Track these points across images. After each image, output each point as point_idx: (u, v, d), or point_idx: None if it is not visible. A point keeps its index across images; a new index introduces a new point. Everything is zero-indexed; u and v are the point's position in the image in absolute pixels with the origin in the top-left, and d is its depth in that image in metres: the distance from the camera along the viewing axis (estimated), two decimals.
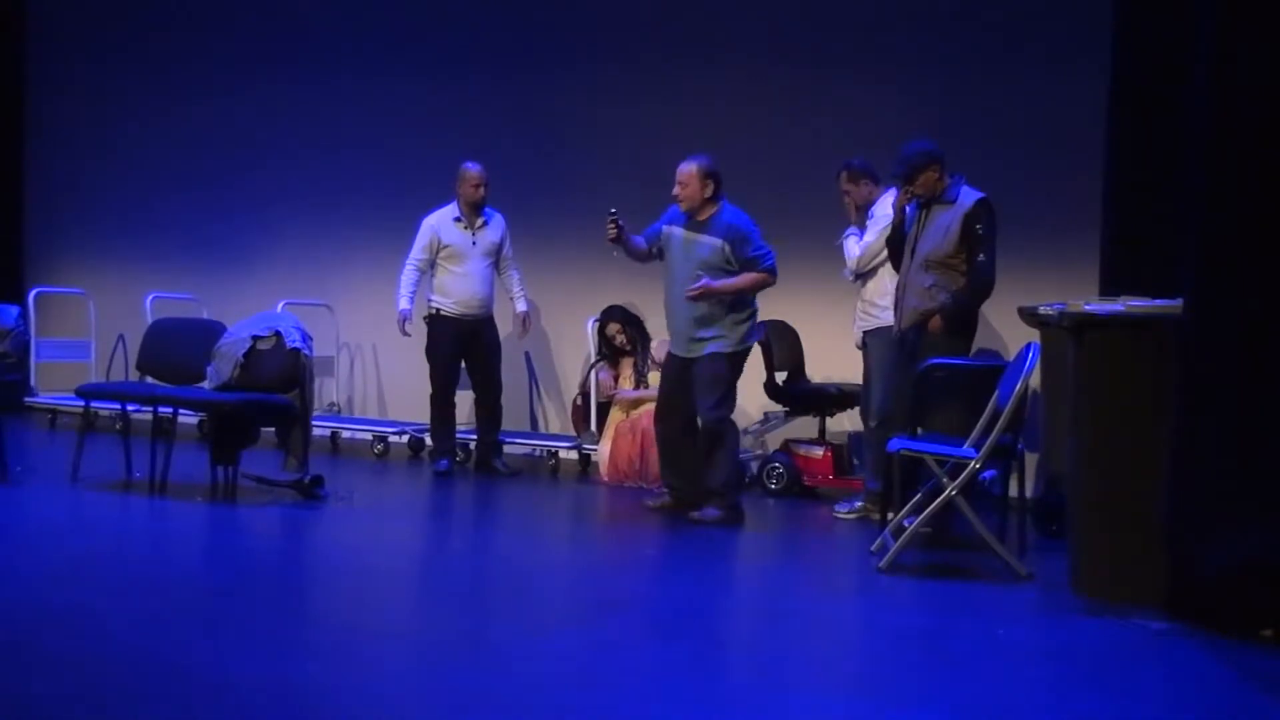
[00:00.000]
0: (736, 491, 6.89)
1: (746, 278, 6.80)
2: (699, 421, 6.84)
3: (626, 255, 7.04)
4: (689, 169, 6.84)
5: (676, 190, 6.85)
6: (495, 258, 8.43)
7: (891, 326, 6.86)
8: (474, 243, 8.34)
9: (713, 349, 6.80)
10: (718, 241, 6.77)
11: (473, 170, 8.35)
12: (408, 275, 8.40)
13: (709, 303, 6.76)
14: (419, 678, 3.98)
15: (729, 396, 6.88)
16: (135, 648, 4.11)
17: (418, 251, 8.37)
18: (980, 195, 6.58)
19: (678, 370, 6.94)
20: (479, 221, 8.37)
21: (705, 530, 6.60)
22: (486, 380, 8.46)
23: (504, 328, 8.81)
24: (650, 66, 9.20)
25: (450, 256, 8.31)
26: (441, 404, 8.39)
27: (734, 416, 6.95)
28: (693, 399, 6.84)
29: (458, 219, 8.36)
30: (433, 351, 8.40)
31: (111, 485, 7.13)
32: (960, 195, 6.60)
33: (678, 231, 6.91)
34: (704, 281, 6.71)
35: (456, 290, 8.30)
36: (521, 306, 8.61)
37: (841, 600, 5.43)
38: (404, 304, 8.37)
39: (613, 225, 6.75)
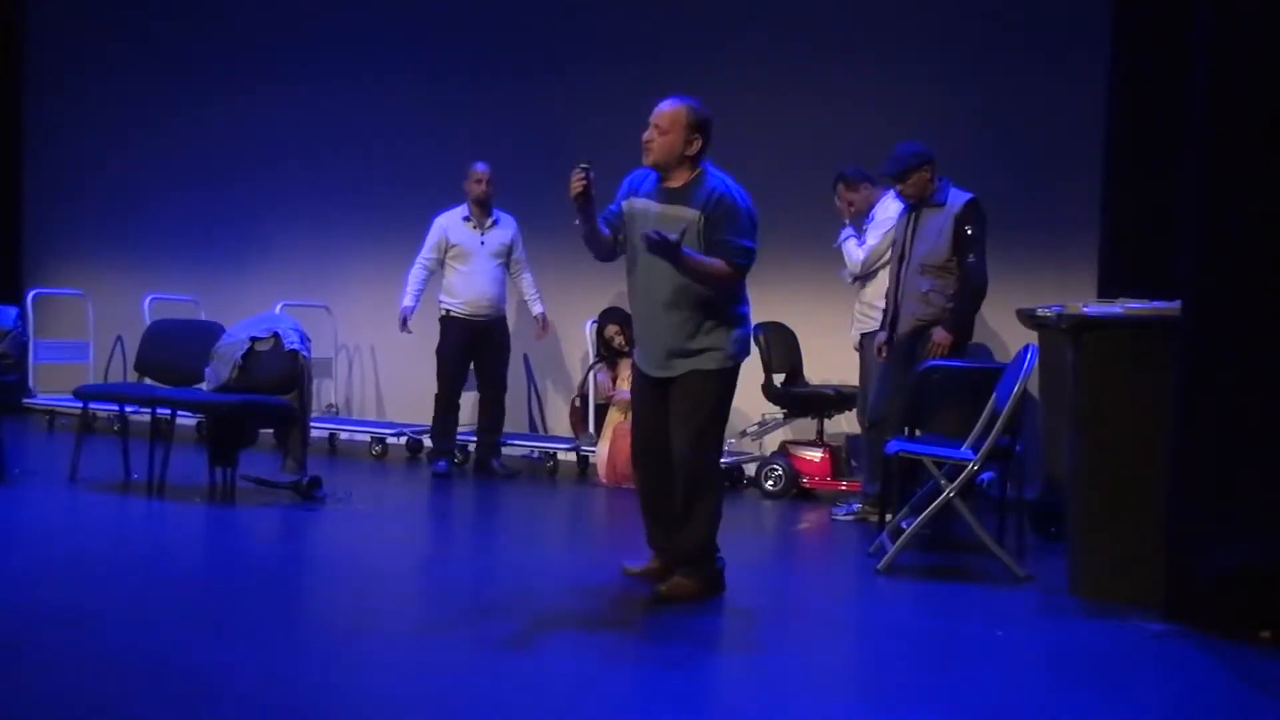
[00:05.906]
0: (714, 557, 5.17)
1: (714, 264, 4.94)
2: (675, 462, 5.05)
3: (587, 235, 5.09)
4: (674, 108, 5.01)
5: (648, 135, 5.02)
6: (505, 259, 8.44)
7: None
8: (482, 242, 8.35)
9: (693, 366, 5.01)
10: (693, 214, 4.94)
11: (477, 168, 8.39)
12: (415, 274, 8.43)
13: (694, 302, 4.97)
14: (418, 678, 3.98)
15: (712, 429, 5.09)
16: (135, 648, 4.11)
17: (426, 251, 8.40)
18: (969, 196, 6.60)
19: (654, 397, 5.13)
20: (488, 221, 8.39)
21: None
22: (492, 379, 8.47)
23: (515, 330, 8.81)
24: (651, 67, 9.18)
25: (458, 256, 8.32)
26: (445, 405, 8.39)
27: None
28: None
29: (467, 218, 8.39)
30: (443, 352, 8.40)
31: (110, 486, 7.13)
32: (949, 197, 6.62)
33: (640, 204, 5.08)
34: (671, 237, 4.81)
35: (463, 290, 8.31)
36: (538, 308, 8.61)
37: (840, 602, 5.43)
38: (407, 301, 8.40)
39: (580, 180, 4.89)
